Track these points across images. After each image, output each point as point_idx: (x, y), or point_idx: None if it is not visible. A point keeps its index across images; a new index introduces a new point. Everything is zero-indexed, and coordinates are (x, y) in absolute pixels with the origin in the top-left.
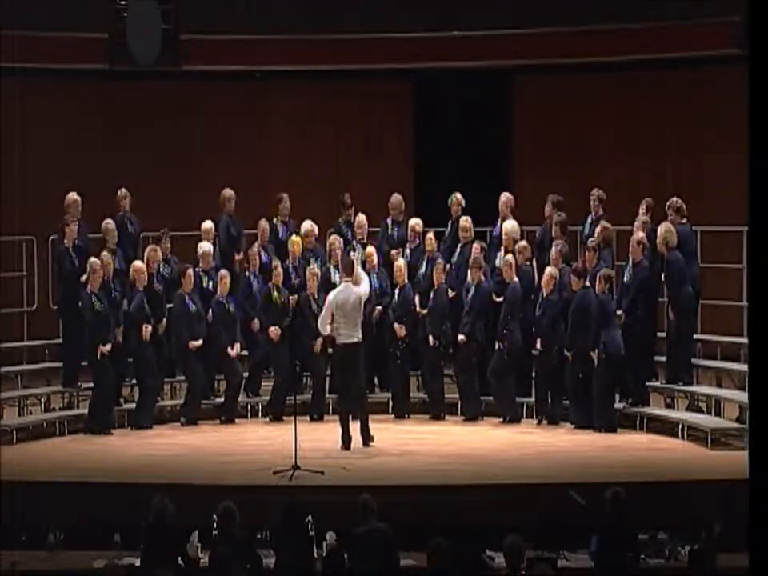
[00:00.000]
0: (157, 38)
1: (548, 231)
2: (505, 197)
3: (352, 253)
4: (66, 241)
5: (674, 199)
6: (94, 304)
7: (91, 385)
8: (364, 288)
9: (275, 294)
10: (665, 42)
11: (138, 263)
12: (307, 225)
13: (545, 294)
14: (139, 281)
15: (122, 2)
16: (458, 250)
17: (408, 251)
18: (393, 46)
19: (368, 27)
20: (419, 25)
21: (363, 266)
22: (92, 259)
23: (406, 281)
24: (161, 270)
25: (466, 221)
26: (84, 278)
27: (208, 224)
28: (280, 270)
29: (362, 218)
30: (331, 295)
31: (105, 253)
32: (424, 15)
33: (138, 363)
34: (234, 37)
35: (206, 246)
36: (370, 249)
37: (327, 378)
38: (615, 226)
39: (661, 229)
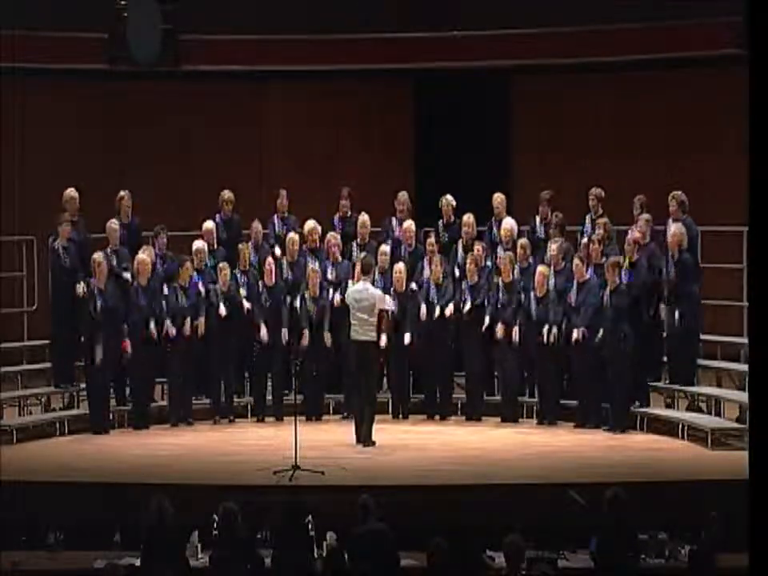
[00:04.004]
0: (157, 38)
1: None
2: (500, 197)
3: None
4: (59, 239)
5: (679, 192)
6: (96, 303)
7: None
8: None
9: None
10: (665, 41)
11: (142, 255)
12: (311, 224)
13: (539, 294)
14: (143, 273)
15: (122, 2)
16: (459, 250)
17: (404, 252)
18: (393, 46)
19: (368, 27)
20: (419, 25)
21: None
22: (96, 254)
23: (405, 284)
24: (157, 266)
25: (468, 217)
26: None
27: (209, 224)
28: (269, 266)
29: (364, 217)
30: (350, 290)
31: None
32: (424, 15)
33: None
34: (234, 37)
35: (199, 244)
36: (385, 248)
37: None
38: (615, 226)
39: (673, 229)
